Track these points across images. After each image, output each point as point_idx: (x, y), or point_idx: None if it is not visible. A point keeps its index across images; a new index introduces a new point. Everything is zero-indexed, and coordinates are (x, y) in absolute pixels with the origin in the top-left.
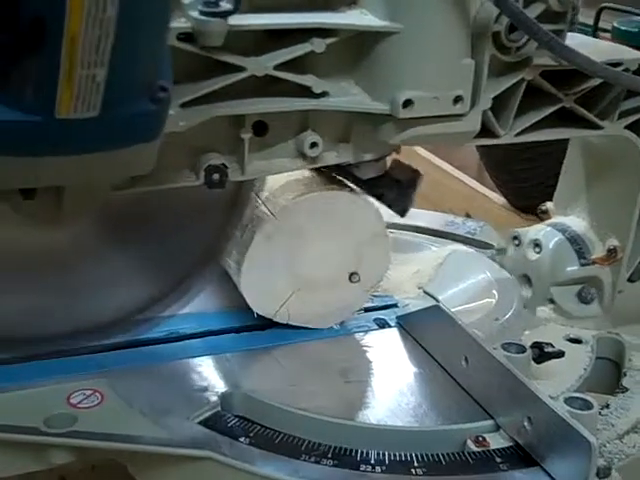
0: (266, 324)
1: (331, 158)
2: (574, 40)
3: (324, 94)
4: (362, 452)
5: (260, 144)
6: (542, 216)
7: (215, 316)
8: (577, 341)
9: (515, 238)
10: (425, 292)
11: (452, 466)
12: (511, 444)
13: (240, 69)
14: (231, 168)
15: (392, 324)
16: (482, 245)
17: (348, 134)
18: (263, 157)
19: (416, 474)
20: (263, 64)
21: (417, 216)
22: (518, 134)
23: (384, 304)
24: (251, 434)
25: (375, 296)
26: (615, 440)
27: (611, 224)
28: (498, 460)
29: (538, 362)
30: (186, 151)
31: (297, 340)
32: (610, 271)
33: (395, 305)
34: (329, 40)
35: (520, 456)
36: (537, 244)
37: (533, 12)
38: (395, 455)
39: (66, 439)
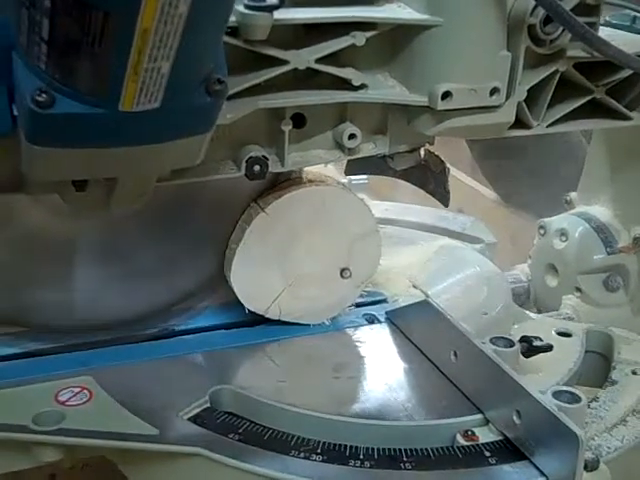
0: (257, 320)
1: (368, 149)
2: (602, 32)
3: (363, 86)
4: (351, 447)
5: (299, 136)
6: (566, 206)
7: (206, 312)
8: (566, 335)
9: (541, 227)
10: (415, 286)
11: (441, 460)
12: (500, 438)
13: (283, 62)
14: (271, 160)
15: (381, 319)
16: (472, 240)
17: (384, 126)
18: (301, 149)
19: (405, 469)
20: (305, 57)
21: (408, 211)
22: (550, 125)
23: (373, 299)
24: (240, 430)
25: (365, 291)
26: (604, 433)
27: (636, 213)
28: (487, 454)
29: (527, 356)
30: (228, 143)
31: (288, 336)
32: (636, 259)
33: (384, 300)
34: (369, 33)
35: (509, 450)
36: (563, 233)
37: (568, 4)
38: (384, 450)
39: (55, 437)
